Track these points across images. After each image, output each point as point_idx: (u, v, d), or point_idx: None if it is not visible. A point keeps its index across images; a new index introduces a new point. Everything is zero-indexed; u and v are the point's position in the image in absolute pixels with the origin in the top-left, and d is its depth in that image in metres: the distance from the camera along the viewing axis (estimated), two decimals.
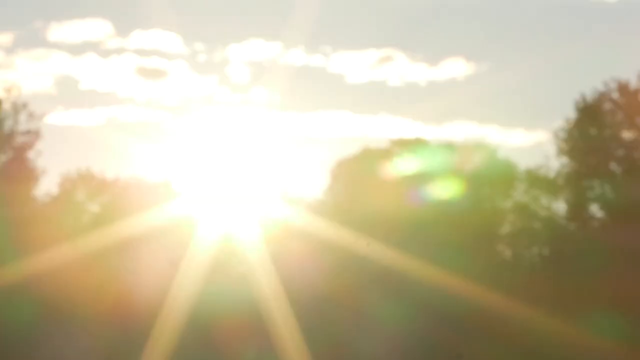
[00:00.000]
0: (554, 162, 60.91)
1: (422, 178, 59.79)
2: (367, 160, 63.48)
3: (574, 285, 53.68)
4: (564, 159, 60.33)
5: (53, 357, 52.36)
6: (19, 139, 57.16)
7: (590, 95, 59.19)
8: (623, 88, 58.50)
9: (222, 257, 58.88)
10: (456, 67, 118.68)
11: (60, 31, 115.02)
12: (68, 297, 52.48)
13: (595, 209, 60.44)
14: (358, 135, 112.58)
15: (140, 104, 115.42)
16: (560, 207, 61.17)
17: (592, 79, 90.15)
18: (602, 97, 58.97)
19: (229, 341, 53.66)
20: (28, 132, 57.31)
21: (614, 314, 50.71)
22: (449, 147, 64.25)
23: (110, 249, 55.35)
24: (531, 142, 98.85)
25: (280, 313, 51.84)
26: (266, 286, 53.75)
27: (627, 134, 59.45)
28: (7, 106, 56.57)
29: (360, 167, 63.29)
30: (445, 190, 59.62)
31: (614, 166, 59.29)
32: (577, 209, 60.13)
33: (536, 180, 61.59)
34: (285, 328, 51.05)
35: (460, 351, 51.24)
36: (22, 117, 57.19)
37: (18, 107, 56.98)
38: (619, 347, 48.26)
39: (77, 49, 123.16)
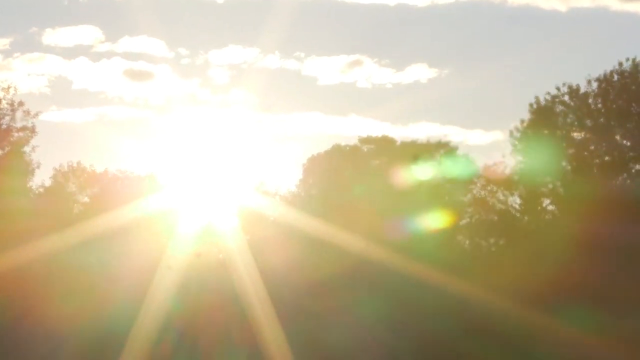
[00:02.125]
0: (510, 160, 62.24)
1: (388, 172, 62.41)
2: (337, 156, 66.07)
3: (528, 271, 54.79)
4: (519, 157, 61.46)
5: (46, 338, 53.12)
6: (16, 135, 58.08)
7: (543, 99, 60.45)
8: (573, 92, 59.51)
9: (203, 244, 61.38)
10: (419, 72, 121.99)
11: (54, 36, 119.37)
12: (57, 284, 54.11)
13: (547, 203, 61.94)
14: (329, 133, 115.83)
15: (127, 103, 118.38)
16: (515, 201, 62.53)
17: (545, 83, 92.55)
18: (554, 100, 60.09)
19: (209, 325, 55.19)
20: (24, 129, 58.08)
21: (564, 295, 52.28)
22: (413, 145, 66.61)
23: (99, 238, 57.10)
24: (489, 142, 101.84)
25: (257, 296, 54.28)
26: (244, 271, 56.29)
27: (577, 135, 60.83)
28: (4, 104, 57.55)
29: (330, 163, 65.67)
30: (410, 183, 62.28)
31: (564, 164, 60.35)
32: (531, 203, 61.55)
33: (493, 176, 63.10)
34: (262, 311, 53.34)
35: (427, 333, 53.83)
36: (19, 114, 58.09)
37: (15, 106, 57.88)
38: (560, 323, 50.81)
39: (69, 53, 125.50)
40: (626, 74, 59.17)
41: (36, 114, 59.14)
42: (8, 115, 57.76)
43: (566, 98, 60.23)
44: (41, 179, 64.25)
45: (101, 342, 52.15)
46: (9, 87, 58.10)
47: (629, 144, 59.38)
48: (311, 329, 54.66)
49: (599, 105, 59.85)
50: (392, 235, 58.41)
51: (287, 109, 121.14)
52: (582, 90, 59.84)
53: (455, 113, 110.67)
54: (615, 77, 59.28)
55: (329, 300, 56.12)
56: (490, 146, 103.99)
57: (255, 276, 55.82)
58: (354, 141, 69.05)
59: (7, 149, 58.02)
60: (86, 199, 65.39)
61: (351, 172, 64.54)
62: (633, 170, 59.81)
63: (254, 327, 53.00)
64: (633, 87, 59.00)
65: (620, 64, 59.13)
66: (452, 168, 63.84)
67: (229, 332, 54.92)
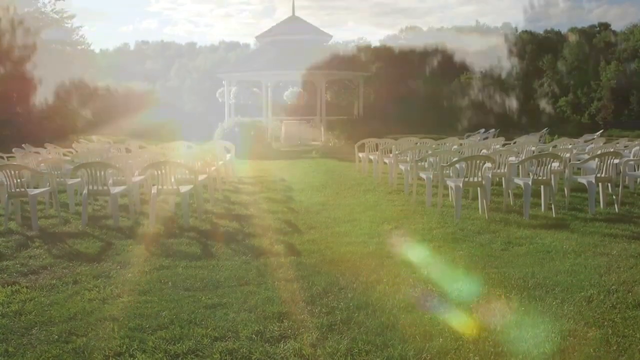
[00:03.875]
0: (506, 64, 62.74)
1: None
2: None
3: None
4: (515, 60, 62.25)
5: None
6: (17, 53, 57.44)
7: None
8: None
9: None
10: None
11: None
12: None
13: (543, 104, 62.15)
14: None
15: None
16: (512, 103, 62.42)
17: None
18: (548, 3, 60.46)
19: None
20: (25, 47, 57.62)
21: None
22: (411, 51, 66.39)
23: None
24: (486, 46, 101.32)
25: None
26: None
27: (571, 37, 61.48)
28: (5, 23, 56.98)
29: None
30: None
31: (560, 65, 61.17)
32: (527, 105, 62.08)
33: (490, 80, 63.86)
34: None
35: None
36: (19, 32, 57.68)
37: (15, 24, 57.55)
38: None
39: None
40: None
41: (37, 32, 59.44)
42: (9, 33, 57.21)
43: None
44: (44, 95, 62.18)
45: None
46: (9, 6, 57.55)
47: None
48: None
49: None
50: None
51: None
52: None
53: None
54: None
55: None
56: (488, 51, 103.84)
57: None
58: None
59: (8, 67, 57.18)
60: (89, 114, 64.19)
61: None
62: None
63: None
64: None
65: None
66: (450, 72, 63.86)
67: None
